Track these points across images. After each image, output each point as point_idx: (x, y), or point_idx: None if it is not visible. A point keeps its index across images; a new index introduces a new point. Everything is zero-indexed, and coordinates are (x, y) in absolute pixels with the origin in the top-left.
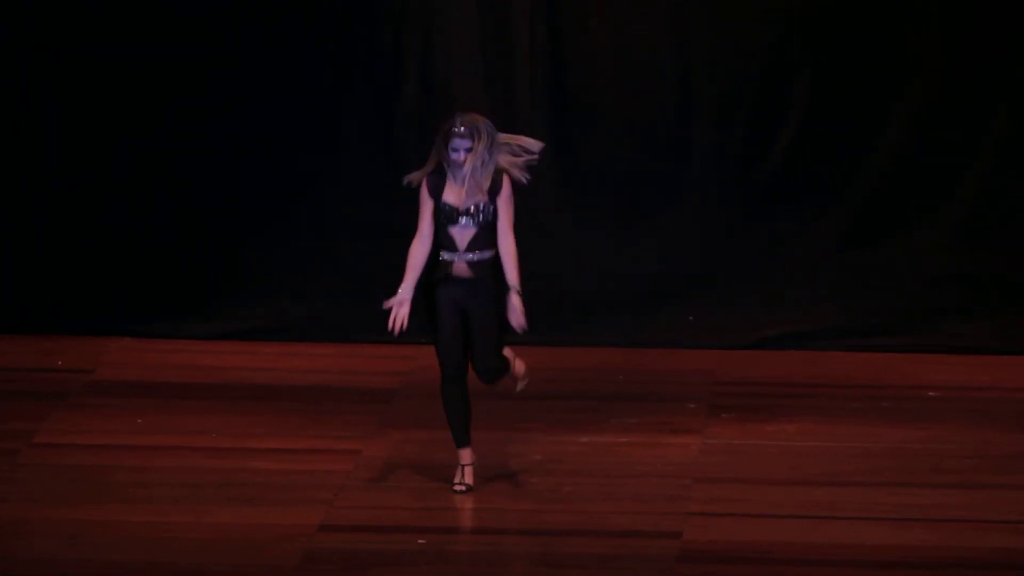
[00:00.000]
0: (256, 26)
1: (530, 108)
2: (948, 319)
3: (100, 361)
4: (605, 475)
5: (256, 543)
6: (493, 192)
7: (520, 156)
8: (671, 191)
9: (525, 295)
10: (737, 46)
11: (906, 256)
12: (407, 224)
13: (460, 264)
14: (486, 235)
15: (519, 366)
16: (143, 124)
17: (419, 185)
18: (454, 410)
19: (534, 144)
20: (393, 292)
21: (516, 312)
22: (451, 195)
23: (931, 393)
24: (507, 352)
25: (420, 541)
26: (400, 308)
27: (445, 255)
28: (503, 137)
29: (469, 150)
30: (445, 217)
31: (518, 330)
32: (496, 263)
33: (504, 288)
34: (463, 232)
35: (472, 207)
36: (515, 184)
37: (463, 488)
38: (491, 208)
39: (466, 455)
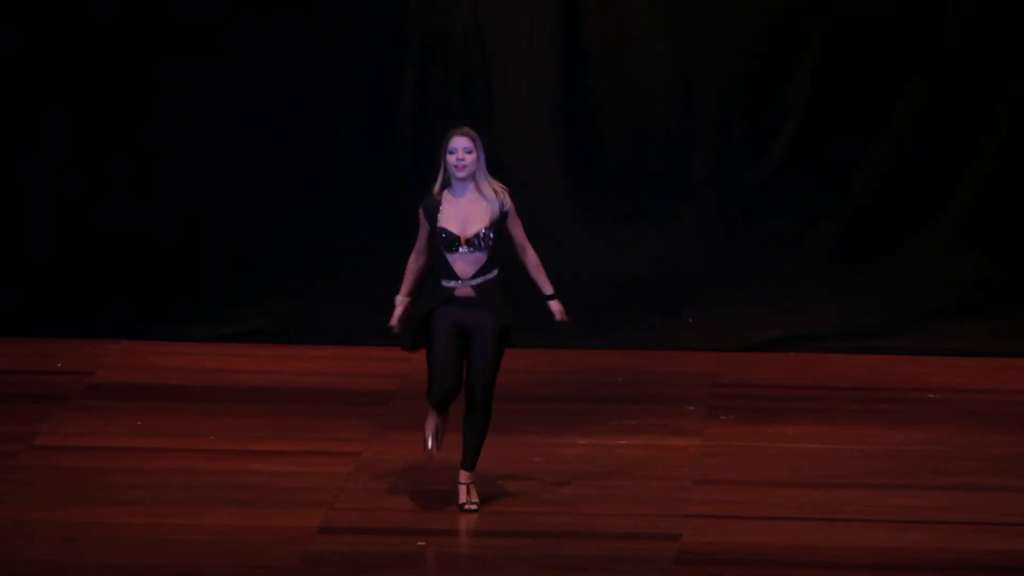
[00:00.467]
0: (256, 27)
1: (529, 110)
2: (947, 321)
3: (100, 363)
4: (604, 477)
5: (255, 545)
6: (494, 217)
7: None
8: (671, 193)
9: (525, 295)
10: (737, 47)
11: (906, 258)
12: (406, 226)
13: (464, 289)
14: (488, 261)
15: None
16: (143, 126)
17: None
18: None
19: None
20: (392, 296)
21: (558, 313)
22: (449, 221)
23: (930, 395)
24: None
25: (420, 543)
26: (395, 311)
27: (446, 283)
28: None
29: (469, 151)
30: (443, 244)
31: (561, 319)
32: (499, 282)
33: (509, 309)
34: (464, 261)
35: (473, 236)
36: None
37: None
38: (491, 236)
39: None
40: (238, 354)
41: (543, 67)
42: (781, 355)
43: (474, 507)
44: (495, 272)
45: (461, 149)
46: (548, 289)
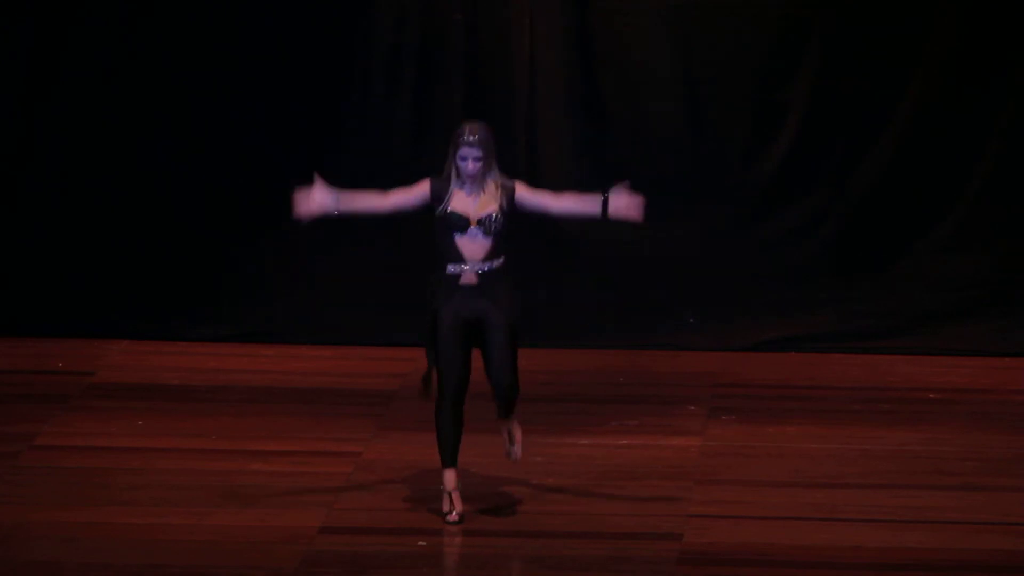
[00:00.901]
0: (255, 28)
1: (529, 112)
2: (948, 322)
3: (100, 364)
4: (605, 477)
5: (256, 546)
6: (507, 201)
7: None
8: (671, 194)
9: (525, 297)
10: (737, 49)
11: (906, 258)
12: (406, 227)
13: (469, 275)
14: (496, 246)
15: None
16: (143, 126)
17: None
18: (446, 430)
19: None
20: (392, 295)
21: (626, 200)
22: (459, 204)
23: (931, 395)
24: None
25: (420, 543)
26: (313, 195)
27: (451, 267)
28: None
29: (478, 159)
30: (453, 226)
31: (634, 213)
32: (505, 273)
33: (516, 305)
34: (472, 243)
35: (484, 217)
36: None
37: (457, 518)
38: (501, 219)
39: (451, 479)
40: (239, 354)
41: (542, 68)
42: (782, 355)
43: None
44: (501, 260)
45: (471, 159)
46: (598, 197)
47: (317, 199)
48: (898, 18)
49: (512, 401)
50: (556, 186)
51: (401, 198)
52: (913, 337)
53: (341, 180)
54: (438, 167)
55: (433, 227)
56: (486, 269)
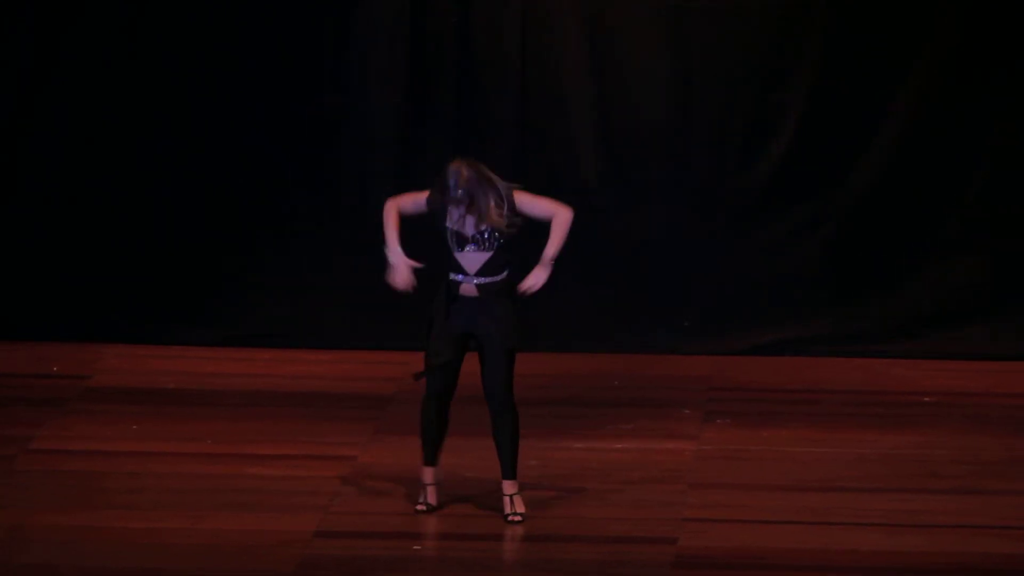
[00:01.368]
0: (255, 29)
1: (526, 114)
2: (943, 325)
3: (96, 367)
4: (600, 481)
5: (252, 549)
6: (508, 212)
7: (502, 207)
8: (667, 197)
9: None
10: (736, 49)
11: (902, 262)
12: (404, 231)
13: (468, 286)
14: (496, 259)
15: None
16: (140, 129)
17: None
18: (429, 427)
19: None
20: (389, 300)
21: (535, 276)
22: (456, 222)
23: (925, 399)
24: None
25: (416, 547)
26: (398, 271)
27: (453, 276)
28: (490, 176)
29: (466, 205)
30: (451, 243)
31: (523, 288)
32: (507, 285)
33: (516, 327)
34: (472, 257)
35: (478, 234)
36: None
37: (424, 508)
38: (496, 233)
39: (429, 475)
40: (235, 358)
41: (538, 69)
42: (777, 359)
43: (518, 519)
44: (504, 275)
45: (458, 209)
46: (549, 250)
47: (400, 265)
48: (898, 18)
49: (515, 441)
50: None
51: (410, 204)
52: (907, 341)
53: (339, 184)
54: (435, 168)
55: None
56: (483, 283)
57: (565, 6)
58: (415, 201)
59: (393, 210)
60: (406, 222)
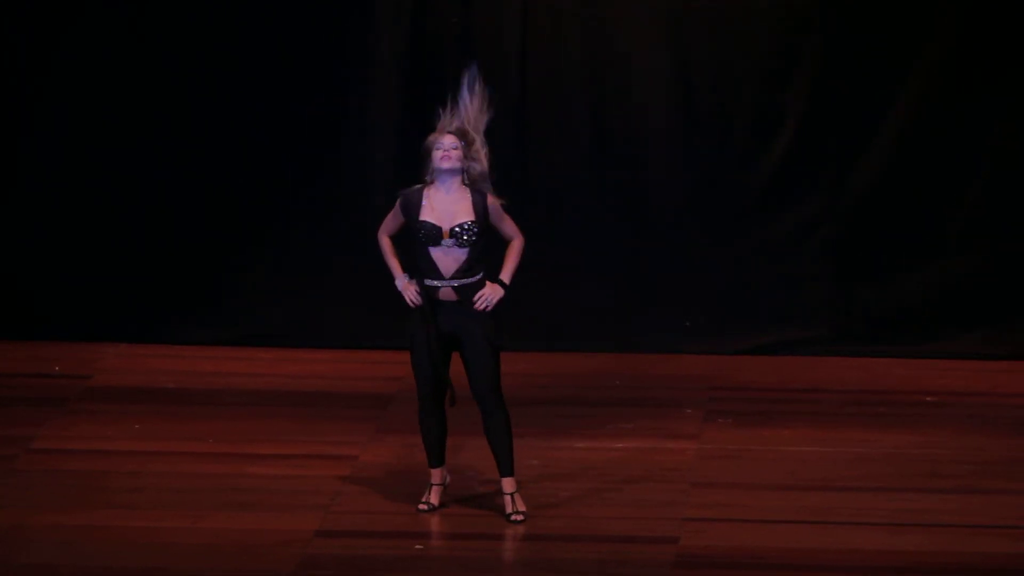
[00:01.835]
0: (255, 29)
1: (526, 114)
2: (944, 325)
3: (97, 367)
4: (601, 480)
5: (253, 549)
6: (479, 212)
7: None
8: (668, 196)
9: (517, 300)
10: (735, 53)
11: (902, 261)
12: (403, 231)
13: (446, 290)
14: (471, 259)
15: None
16: (140, 128)
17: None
18: (428, 432)
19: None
20: (389, 299)
21: (488, 292)
22: (431, 214)
23: (928, 399)
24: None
25: (417, 546)
26: (408, 290)
27: (429, 282)
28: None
29: (455, 147)
30: (426, 237)
31: (476, 302)
32: (484, 285)
33: (496, 324)
34: (446, 255)
35: (457, 227)
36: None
37: (426, 508)
38: (475, 228)
39: (436, 475)
40: (236, 357)
41: (537, 70)
42: (778, 358)
43: (520, 517)
44: (479, 276)
45: (448, 145)
46: (505, 275)
47: (408, 289)
48: (898, 18)
49: (508, 439)
50: (554, 188)
51: (393, 223)
52: (909, 340)
53: (339, 183)
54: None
55: (411, 240)
56: (459, 285)
57: (565, 6)
58: (394, 214)
59: (383, 238)
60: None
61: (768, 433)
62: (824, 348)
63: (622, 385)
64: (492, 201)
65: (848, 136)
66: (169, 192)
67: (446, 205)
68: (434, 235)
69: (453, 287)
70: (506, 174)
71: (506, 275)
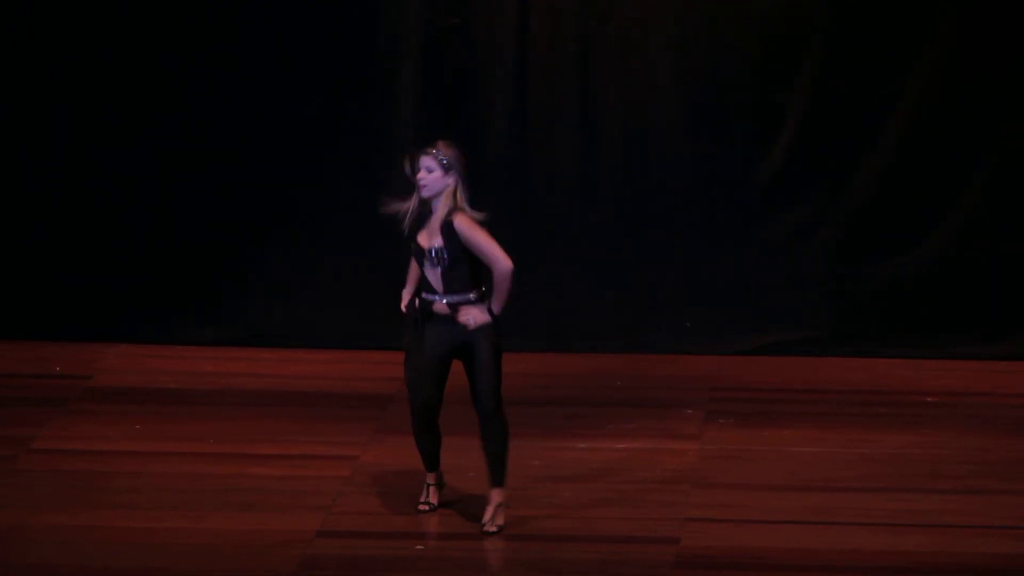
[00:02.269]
0: (255, 30)
1: (525, 115)
2: (945, 325)
3: (98, 367)
4: (603, 481)
5: (254, 549)
6: (449, 236)
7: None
8: (669, 198)
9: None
10: (735, 53)
11: (903, 261)
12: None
13: (440, 304)
14: (455, 277)
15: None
16: (141, 129)
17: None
18: (422, 442)
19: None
20: (391, 299)
21: (475, 312)
22: (422, 236)
23: (929, 399)
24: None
25: (418, 547)
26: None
27: (425, 295)
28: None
29: (431, 170)
30: (415, 257)
31: (461, 319)
32: (480, 300)
33: (495, 323)
34: (434, 273)
35: (431, 249)
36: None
37: (427, 508)
38: (445, 252)
39: (432, 475)
40: (236, 358)
41: (539, 71)
42: (779, 359)
43: (494, 529)
44: (472, 295)
45: (424, 168)
46: (494, 306)
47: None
48: (898, 18)
49: (502, 448)
50: (554, 188)
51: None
52: (910, 341)
53: (340, 183)
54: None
55: None
56: (452, 301)
57: (565, 6)
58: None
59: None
60: None
61: (769, 433)
62: (825, 348)
63: (623, 385)
64: (460, 224)
65: (848, 136)
66: (169, 192)
67: (432, 224)
68: (419, 254)
69: (447, 303)
70: (506, 174)
71: (495, 306)
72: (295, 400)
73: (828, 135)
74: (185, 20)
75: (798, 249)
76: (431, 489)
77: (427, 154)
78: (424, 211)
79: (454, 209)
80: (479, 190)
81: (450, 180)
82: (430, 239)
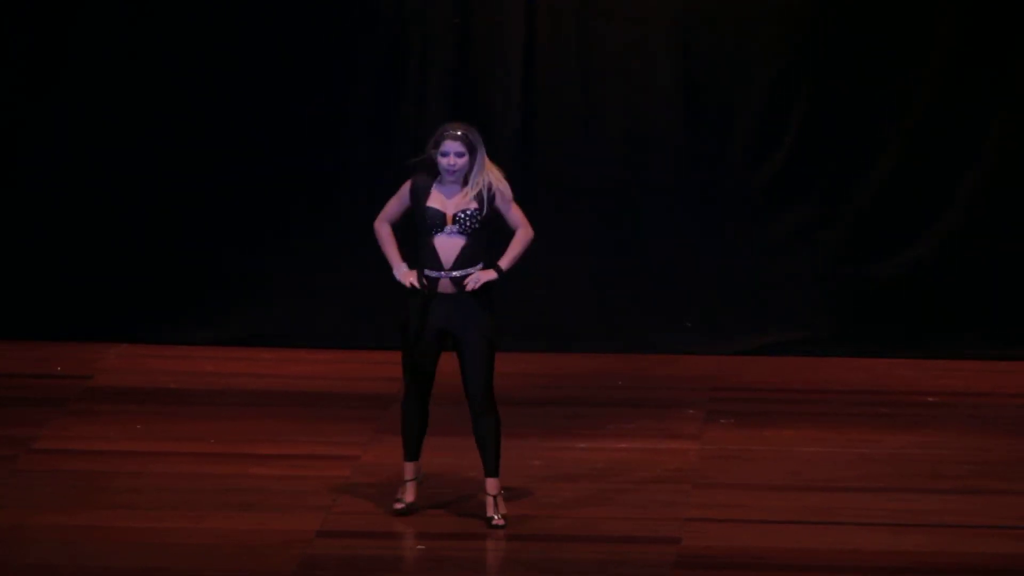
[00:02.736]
0: (256, 30)
1: (527, 115)
2: (945, 325)
3: (98, 367)
4: (603, 481)
5: (254, 549)
6: (485, 200)
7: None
8: (671, 198)
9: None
10: (737, 54)
11: (905, 262)
12: (406, 231)
13: (445, 281)
14: (473, 248)
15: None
16: (140, 129)
17: (408, 178)
18: (409, 424)
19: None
20: (391, 299)
21: (480, 273)
22: (437, 201)
23: (930, 399)
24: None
25: (419, 547)
26: (410, 275)
27: (429, 272)
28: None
29: (460, 155)
30: (430, 223)
31: (465, 282)
32: (484, 285)
33: (492, 321)
34: (449, 242)
35: (460, 213)
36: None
37: (403, 507)
38: (479, 215)
39: (410, 469)
40: (236, 358)
41: (539, 72)
42: (780, 359)
43: (501, 522)
44: (479, 267)
45: (453, 153)
46: (503, 262)
47: (408, 277)
48: (898, 19)
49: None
50: (555, 189)
51: (396, 208)
52: (910, 341)
53: (340, 183)
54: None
55: (413, 228)
56: (460, 276)
57: (566, 6)
58: (399, 198)
59: (384, 225)
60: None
61: (769, 433)
62: (825, 348)
63: (623, 385)
64: (504, 190)
65: (848, 136)
66: (169, 192)
67: (452, 193)
68: (438, 221)
69: (452, 278)
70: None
71: (504, 261)
72: (295, 400)
73: (828, 135)
74: (185, 20)
75: (798, 249)
76: (408, 485)
77: (454, 139)
78: (427, 182)
79: (490, 178)
80: None
81: (478, 157)
82: (454, 206)
